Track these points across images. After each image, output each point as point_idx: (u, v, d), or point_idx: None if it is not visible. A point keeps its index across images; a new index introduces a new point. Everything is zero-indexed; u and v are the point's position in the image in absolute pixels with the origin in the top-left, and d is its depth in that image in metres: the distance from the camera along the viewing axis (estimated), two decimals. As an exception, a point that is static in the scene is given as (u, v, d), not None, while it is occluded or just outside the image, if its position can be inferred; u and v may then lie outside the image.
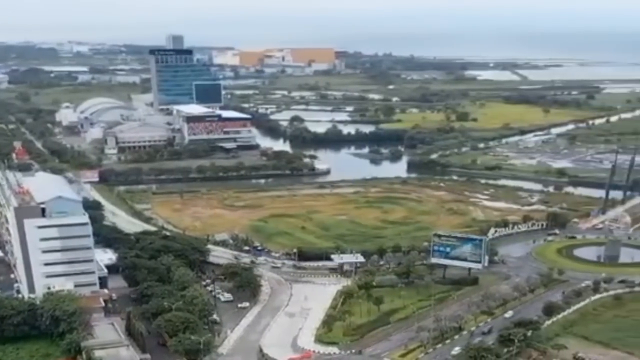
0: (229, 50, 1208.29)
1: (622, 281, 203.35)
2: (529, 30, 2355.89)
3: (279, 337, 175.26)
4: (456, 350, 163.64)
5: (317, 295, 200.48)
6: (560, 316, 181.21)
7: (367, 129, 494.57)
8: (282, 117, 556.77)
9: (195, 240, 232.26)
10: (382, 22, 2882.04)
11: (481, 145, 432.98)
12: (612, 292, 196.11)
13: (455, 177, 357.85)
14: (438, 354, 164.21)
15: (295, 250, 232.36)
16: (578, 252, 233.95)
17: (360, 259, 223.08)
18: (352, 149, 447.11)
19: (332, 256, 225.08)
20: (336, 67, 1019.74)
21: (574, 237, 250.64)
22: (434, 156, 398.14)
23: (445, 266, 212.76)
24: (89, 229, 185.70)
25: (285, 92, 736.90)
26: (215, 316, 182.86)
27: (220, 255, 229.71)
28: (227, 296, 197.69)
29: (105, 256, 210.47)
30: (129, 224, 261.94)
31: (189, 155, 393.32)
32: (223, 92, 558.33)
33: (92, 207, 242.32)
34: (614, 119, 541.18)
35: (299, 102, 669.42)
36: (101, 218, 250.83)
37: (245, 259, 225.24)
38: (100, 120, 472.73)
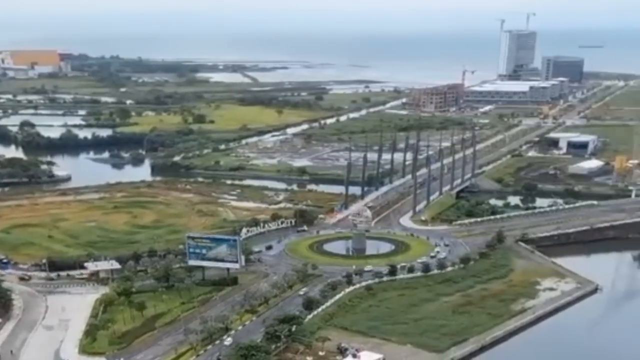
0: None
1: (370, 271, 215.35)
2: (254, 32, 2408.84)
3: (39, 352, 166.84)
4: (228, 340, 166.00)
5: (76, 305, 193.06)
6: (319, 310, 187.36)
7: (104, 132, 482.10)
8: (11, 122, 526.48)
9: None
10: (107, 23, 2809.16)
11: (222, 146, 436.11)
12: (364, 284, 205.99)
13: (200, 179, 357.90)
14: (209, 355, 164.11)
15: (44, 260, 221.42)
16: (328, 247, 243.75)
17: (116, 265, 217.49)
18: (92, 154, 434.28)
19: (86, 264, 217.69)
20: (62, 70, 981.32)
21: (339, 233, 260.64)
22: (176, 158, 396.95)
23: (203, 268, 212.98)
24: None
25: (10, 96, 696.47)
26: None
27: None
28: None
29: None
30: None
31: None
32: None
33: None
34: (343, 118, 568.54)
35: (27, 107, 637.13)
36: None
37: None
38: None
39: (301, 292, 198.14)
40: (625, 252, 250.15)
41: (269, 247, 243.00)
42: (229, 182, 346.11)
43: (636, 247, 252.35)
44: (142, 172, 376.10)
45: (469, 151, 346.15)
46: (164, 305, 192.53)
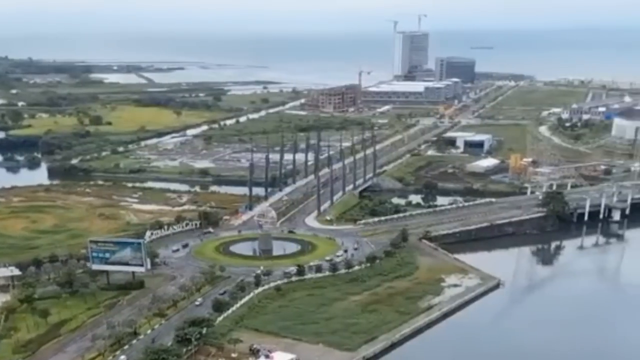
0: None
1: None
2: (149, 32, 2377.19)
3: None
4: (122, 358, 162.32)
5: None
6: (229, 311, 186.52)
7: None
8: None
9: None
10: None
11: (121, 148, 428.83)
12: (272, 284, 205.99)
13: (100, 182, 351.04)
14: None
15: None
16: (235, 248, 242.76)
17: (16, 271, 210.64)
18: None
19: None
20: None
21: (292, 232, 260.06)
22: (74, 161, 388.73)
23: (107, 272, 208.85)
24: None
25: None
26: None
27: None
28: None
29: None
30: None
31: None
32: None
33: None
34: (243, 119, 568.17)
35: None
36: None
37: None
38: None
39: (197, 302, 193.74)
40: (523, 247, 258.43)
41: (185, 245, 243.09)
42: (129, 184, 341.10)
43: (534, 242, 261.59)
44: (39, 176, 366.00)
45: (369, 151, 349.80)
46: (69, 312, 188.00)
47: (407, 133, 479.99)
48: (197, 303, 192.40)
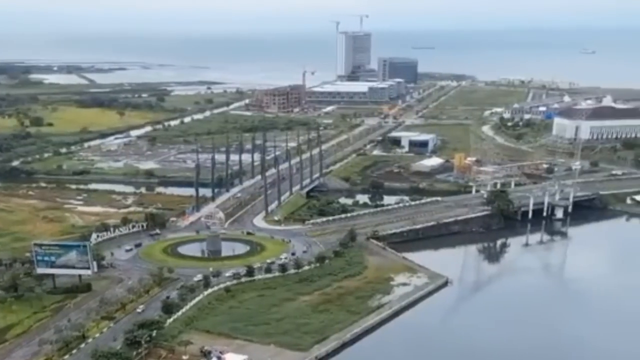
0: None
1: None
2: (89, 32, 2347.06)
3: None
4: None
5: None
6: (179, 313, 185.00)
7: None
8: None
9: None
10: None
11: (63, 150, 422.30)
12: (222, 285, 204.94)
13: (43, 184, 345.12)
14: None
15: None
16: (183, 250, 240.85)
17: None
18: None
19: None
20: None
21: (251, 234, 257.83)
22: (15, 163, 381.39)
23: (53, 275, 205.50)
24: None
25: None
26: None
27: None
28: None
29: None
30: None
31: None
32: None
33: None
34: (187, 120, 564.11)
35: None
36: None
37: None
38: None
39: (139, 310, 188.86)
40: (470, 246, 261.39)
41: (139, 245, 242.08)
42: (73, 186, 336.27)
43: (480, 240, 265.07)
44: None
45: (315, 151, 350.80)
46: (15, 316, 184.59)
47: (352, 133, 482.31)
48: (138, 310, 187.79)
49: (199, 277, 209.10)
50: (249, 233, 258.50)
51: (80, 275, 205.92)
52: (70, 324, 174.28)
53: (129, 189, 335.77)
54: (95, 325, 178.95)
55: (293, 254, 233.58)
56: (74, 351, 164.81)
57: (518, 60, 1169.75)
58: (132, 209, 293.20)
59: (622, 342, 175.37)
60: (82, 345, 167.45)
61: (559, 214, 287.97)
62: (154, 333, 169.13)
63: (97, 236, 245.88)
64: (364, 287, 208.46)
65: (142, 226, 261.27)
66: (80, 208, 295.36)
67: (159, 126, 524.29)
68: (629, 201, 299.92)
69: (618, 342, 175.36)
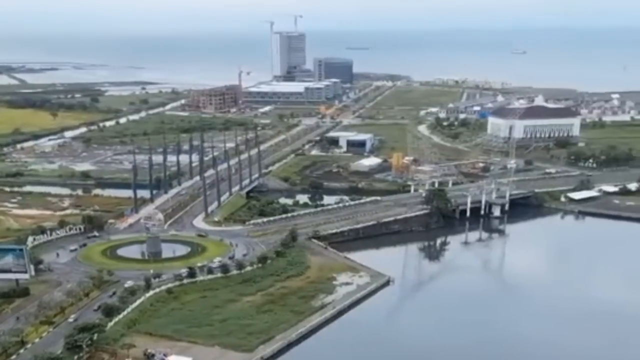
0: None
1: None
2: (19, 33, 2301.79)
3: None
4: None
5: None
6: (121, 316, 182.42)
7: None
8: None
9: None
10: None
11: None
12: (164, 287, 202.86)
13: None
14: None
15: None
16: (122, 252, 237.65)
17: None
18: None
19: None
20: None
21: (202, 235, 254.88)
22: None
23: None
24: None
25: None
26: None
27: None
28: None
29: None
30: None
31: None
32: None
33: None
34: (123, 120, 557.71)
35: None
36: None
37: None
38: None
39: (71, 319, 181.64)
40: (410, 244, 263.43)
41: (83, 245, 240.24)
42: (7, 189, 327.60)
43: (420, 239, 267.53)
44: None
45: (253, 151, 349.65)
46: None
47: (290, 133, 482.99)
48: (70, 320, 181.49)
49: (129, 283, 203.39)
50: (200, 235, 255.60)
51: (17, 280, 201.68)
52: (8, 330, 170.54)
53: (65, 191, 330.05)
54: (35, 330, 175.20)
55: (231, 257, 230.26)
56: (13, 357, 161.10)
57: (452, 61, 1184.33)
58: (69, 211, 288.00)
59: (558, 334, 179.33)
60: (22, 351, 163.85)
61: (497, 212, 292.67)
62: (95, 336, 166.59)
63: (34, 239, 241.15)
64: (307, 287, 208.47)
65: (80, 229, 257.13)
66: (15, 211, 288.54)
67: (94, 127, 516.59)
68: (563, 199, 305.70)
69: (554, 334, 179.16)
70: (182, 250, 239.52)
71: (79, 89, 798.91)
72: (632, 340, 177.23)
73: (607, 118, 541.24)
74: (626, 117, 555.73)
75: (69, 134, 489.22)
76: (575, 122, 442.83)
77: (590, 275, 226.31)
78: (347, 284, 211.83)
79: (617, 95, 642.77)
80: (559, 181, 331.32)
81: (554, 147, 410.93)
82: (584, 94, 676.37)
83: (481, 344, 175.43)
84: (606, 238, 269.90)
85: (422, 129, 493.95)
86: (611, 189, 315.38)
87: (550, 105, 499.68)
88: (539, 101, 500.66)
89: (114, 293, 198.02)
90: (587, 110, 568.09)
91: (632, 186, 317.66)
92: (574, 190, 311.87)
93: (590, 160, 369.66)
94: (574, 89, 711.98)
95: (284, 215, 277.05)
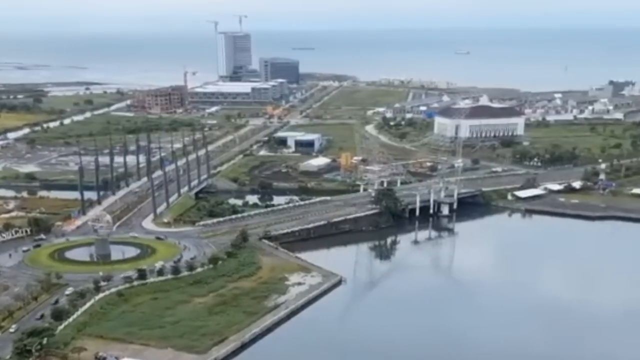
0: None
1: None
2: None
3: None
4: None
5: None
6: (70, 319, 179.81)
7: None
8: None
9: None
10: None
11: None
12: (114, 290, 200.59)
13: None
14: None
15: None
16: (70, 254, 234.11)
17: None
18: None
19: None
20: None
21: (160, 238, 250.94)
22: None
23: None
24: None
25: None
26: None
27: None
28: None
29: None
30: None
31: None
32: None
33: None
34: (67, 121, 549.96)
35: None
36: None
37: None
38: None
39: (11, 330, 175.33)
40: (361, 244, 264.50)
41: (27, 250, 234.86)
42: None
43: (371, 239, 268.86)
44: None
45: (201, 152, 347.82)
46: None
47: (238, 133, 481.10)
48: (11, 330, 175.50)
49: (70, 290, 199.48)
50: (158, 238, 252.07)
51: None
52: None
53: (10, 193, 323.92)
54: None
55: (178, 260, 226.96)
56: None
57: (397, 61, 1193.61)
58: (14, 214, 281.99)
59: (504, 329, 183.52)
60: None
61: (445, 210, 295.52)
62: (45, 340, 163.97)
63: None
64: (259, 287, 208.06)
65: (26, 231, 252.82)
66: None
67: (38, 128, 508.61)
68: (509, 197, 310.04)
69: (501, 329, 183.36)
70: (131, 252, 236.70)
71: (21, 89, 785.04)
72: (573, 334, 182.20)
73: (551, 117, 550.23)
74: (569, 117, 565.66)
75: (11, 135, 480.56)
76: (520, 121, 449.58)
77: (536, 272, 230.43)
78: (299, 284, 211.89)
79: (559, 95, 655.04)
80: (506, 180, 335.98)
81: (499, 146, 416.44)
82: (528, 93, 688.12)
83: (431, 340, 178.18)
84: (552, 235, 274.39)
85: (370, 128, 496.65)
86: (556, 187, 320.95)
87: (495, 105, 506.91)
88: (484, 101, 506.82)
89: (57, 301, 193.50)
90: (530, 109, 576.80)
91: (576, 184, 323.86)
92: (520, 188, 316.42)
93: (535, 159, 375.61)
94: (517, 89, 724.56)
95: (234, 216, 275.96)
